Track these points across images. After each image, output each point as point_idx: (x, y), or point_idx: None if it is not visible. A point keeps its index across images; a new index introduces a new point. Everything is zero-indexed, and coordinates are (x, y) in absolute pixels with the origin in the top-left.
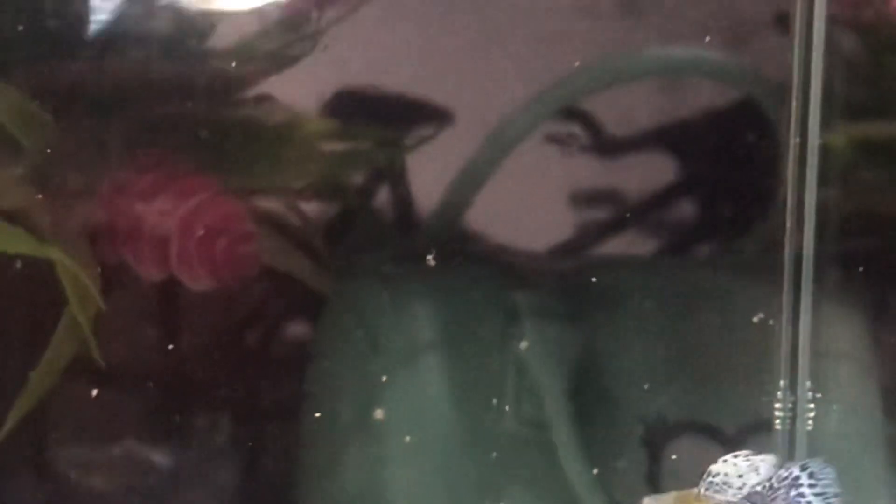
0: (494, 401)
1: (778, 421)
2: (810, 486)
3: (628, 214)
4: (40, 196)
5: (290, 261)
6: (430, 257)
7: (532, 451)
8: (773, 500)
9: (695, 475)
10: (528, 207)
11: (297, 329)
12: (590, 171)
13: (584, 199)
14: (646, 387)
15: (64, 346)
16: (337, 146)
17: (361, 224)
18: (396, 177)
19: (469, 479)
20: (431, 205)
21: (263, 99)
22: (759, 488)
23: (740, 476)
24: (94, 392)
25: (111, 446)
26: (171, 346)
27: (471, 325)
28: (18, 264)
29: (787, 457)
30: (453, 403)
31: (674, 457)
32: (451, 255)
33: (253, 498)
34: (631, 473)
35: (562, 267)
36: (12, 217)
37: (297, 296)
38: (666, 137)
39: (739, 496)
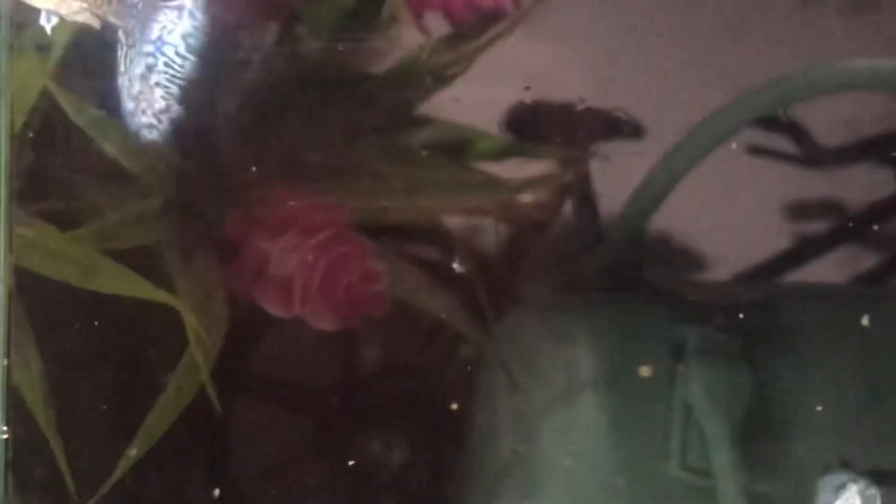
0: (657, 444)
1: None
2: None
3: (827, 238)
4: (165, 235)
5: (434, 299)
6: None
7: (695, 501)
8: None
9: None
10: (707, 232)
11: (444, 364)
12: (791, 188)
13: (777, 220)
14: (831, 437)
15: (182, 389)
16: (511, 166)
17: (529, 250)
18: (577, 197)
19: None
20: (605, 227)
21: (426, 120)
22: None
23: None
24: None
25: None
26: (303, 388)
27: (635, 362)
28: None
29: None
30: (613, 445)
31: None
32: (622, 284)
33: None
34: None
35: (742, 298)
36: (135, 256)
37: (446, 333)
38: (885, 148)
39: None
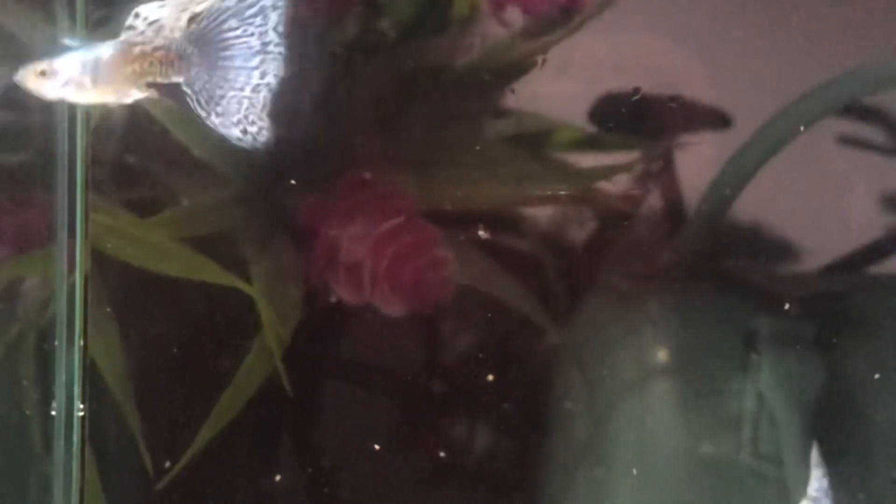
0: (729, 432)
1: None
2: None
3: None
4: (240, 222)
5: (506, 286)
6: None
7: (767, 490)
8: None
9: None
10: (787, 219)
11: (514, 353)
12: (876, 178)
13: (857, 208)
14: None
15: (254, 371)
16: (591, 155)
17: (605, 240)
18: (654, 186)
19: None
20: (684, 217)
21: (507, 111)
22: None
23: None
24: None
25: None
26: (376, 374)
27: (708, 350)
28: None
29: None
30: (685, 433)
31: None
32: (698, 273)
33: None
34: None
35: (817, 288)
36: (213, 242)
37: (519, 323)
38: None
39: None
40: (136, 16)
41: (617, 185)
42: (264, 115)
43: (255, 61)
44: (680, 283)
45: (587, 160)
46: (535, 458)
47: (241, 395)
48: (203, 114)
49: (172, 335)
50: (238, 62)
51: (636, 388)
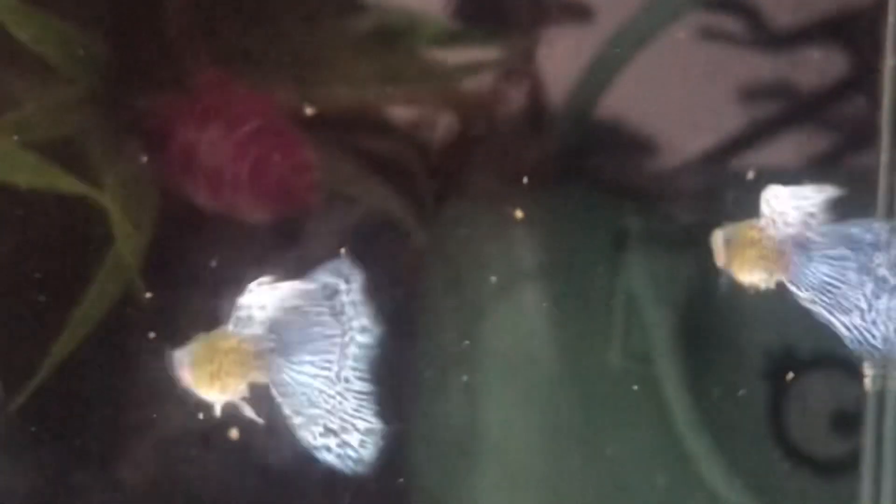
0: (599, 332)
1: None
2: None
3: (777, 122)
4: (88, 125)
5: (371, 189)
6: (525, 178)
7: (637, 386)
8: None
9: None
10: (655, 115)
11: (383, 257)
12: (741, 71)
13: (724, 103)
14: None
15: (109, 283)
16: (457, 51)
17: (472, 139)
18: (519, 83)
19: (568, 412)
20: (550, 115)
21: (368, 5)
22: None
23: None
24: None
25: None
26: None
27: (577, 252)
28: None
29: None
30: (555, 333)
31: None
32: (566, 173)
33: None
34: (749, 409)
35: (687, 186)
36: (60, 147)
37: (385, 225)
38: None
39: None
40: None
41: (482, 83)
42: None
43: None
44: (548, 183)
45: (452, 57)
46: (403, 363)
47: (95, 311)
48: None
49: (20, 251)
50: None
51: (505, 289)
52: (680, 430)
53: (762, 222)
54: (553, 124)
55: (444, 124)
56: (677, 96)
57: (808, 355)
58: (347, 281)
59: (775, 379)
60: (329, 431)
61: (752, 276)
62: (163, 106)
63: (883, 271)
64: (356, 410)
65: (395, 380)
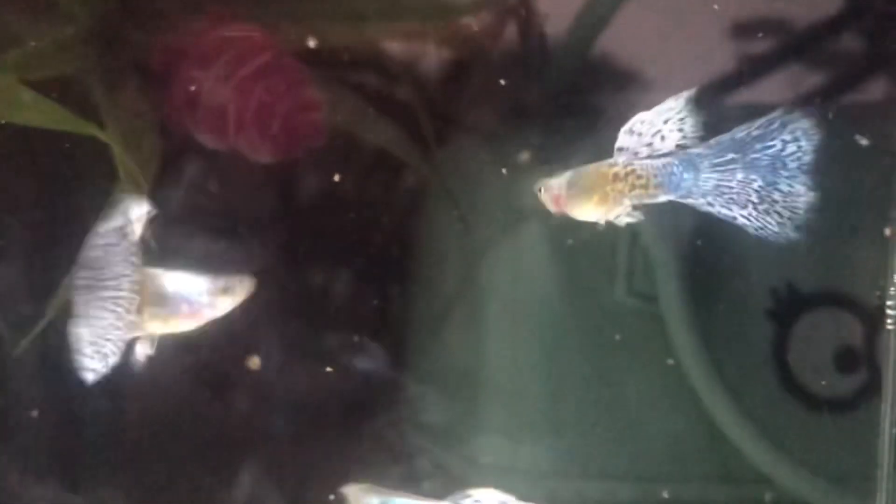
0: (603, 270)
1: None
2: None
3: (773, 58)
4: (90, 63)
5: (376, 127)
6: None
7: (642, 327)
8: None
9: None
10: (653, 52)
11: (389, 195)
12: (737, 8)
13: (722, 40)
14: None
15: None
16: None
17: (473, 77)
18: (519, 21)
19: (572, 351)
20: (550, 53)
21: None
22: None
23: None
24: None
25: None
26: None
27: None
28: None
29: None
30: (558, 272)
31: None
32: (566, 110)
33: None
34: (754, 347)
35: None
36: (58, 86)
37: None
38: None
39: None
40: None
41: (483, 20)
42: None
43: None
44: (549, 121)
45: None
46: (407, 301)
47: None
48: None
49: (23, 191)
50: None
51: (509, 228)
52: (684, 369)
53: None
54: (553, 62)
55: (445, 62)
56: (674, 32)
57: (813, 293)
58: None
59: (780, 317)
60: None
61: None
62: (165, 44)
63: (766, 162)
64: None
65: (397, 319)
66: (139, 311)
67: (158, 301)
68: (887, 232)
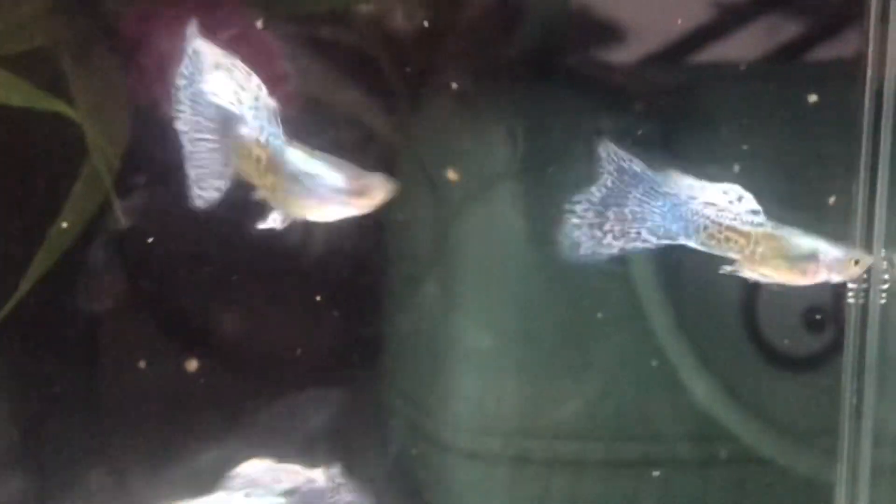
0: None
1: None
2: None
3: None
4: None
5: (347, 96)
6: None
7: (613, 288)
8: None
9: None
10: (629, 8)
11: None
12: None
13: None
14: None
15: (84, 200)
16: None
17: (444, 36)
18: None
19: (544, 314)
20: (524, 11)
21: None
22: None
23: None
24: None
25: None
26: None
27: (553, 151)
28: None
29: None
30: (531, 235)
31: None
32: (540, 70)
33: (338, 327)
34: (723, 308)
35: (662, 82)
36: (26, 60)
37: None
38: None
39: None
40: None
41: None
42: None
43: None
44: (523, 81)
45: None
46: (376, 265)
47: (71, 227)
48: None
49: None
50: None
51: (480, 191)
52: (655, 332)
53: None
54: (526, 18)
55: (416, 19)
56: None
57: None
58: None
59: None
60: None
61: None
62: (135, 15)
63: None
64: None
65: (366, 283)
66: (273, 187)
67: (293, 180)
68: (831, 201)
